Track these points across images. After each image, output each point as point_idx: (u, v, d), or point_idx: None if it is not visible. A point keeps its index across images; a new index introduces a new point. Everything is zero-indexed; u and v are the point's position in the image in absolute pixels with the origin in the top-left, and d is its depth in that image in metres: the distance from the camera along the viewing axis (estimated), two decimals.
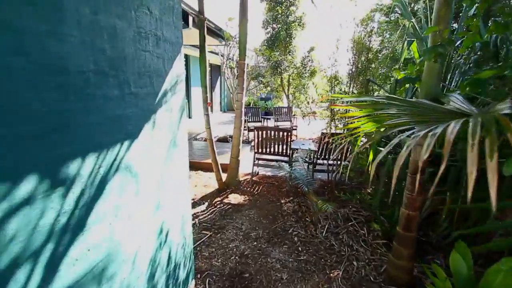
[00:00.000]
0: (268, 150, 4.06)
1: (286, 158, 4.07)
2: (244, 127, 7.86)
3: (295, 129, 7.79)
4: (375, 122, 1.48)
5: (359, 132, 1.55)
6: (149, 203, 1.44)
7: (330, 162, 3.80)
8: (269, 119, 8.14)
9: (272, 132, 3.98)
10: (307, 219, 3.14)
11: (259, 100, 14.33)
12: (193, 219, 3.09)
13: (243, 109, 3.78)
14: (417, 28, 2.54)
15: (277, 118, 8.23)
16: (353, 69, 3.64)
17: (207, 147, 6.46)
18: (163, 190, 1.56)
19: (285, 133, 3.88)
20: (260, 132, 3.99)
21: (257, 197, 3.73)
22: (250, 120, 8.08)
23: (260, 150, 4.09)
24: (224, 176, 4.00)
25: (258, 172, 4.67)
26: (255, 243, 2.67)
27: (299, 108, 3.80)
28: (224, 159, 4.87)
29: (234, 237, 2.78)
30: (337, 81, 3.66)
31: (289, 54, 8.74)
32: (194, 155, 5.42)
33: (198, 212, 3.25)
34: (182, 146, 1.79)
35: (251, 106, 12.81)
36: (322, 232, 2.84)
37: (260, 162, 4.42)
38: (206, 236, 2.76)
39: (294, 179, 3.05)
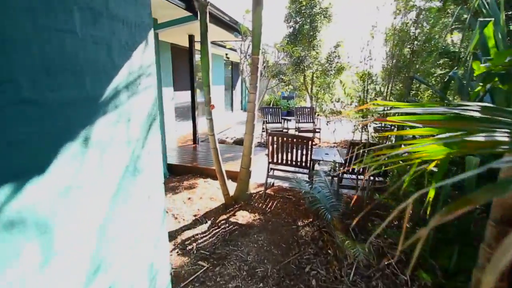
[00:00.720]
0: (285, 160, 3.47)
1: (305, 170, 3.46)
2: (263, 128, 7.32)
3: (318, 132, 7.08)
4: (450, 147, 0.85)
5: (418, 156, 0.93)
6: (78, 268, 0.94)
7: (361, 176, 3.13)
8: (290, 120, 7.49)
9: (290, 139, 3.38)
10: (329, 251, 2.52)
11: (281, 99, 13.70)
12: (190, 244, 2.61)
13: (255, 112, 3.23)
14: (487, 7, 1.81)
15: (299, 119, 7.57)
16: (392, 64, 2.93)
17: (224, 150, 6.02)
18: (110, 242, 1.06)
19: (306, 141, 3.27)
20: (275, 138, 3.41)
21: (270, 216, 3.16)
22: (270, 121, 7.50)
23: (275, 160, 3.51)
24: (233, 187, 3.49)
25: (273, 183, 4.10)
26: (261, 285, 2.12)
27: (322, 111, 3.17)
28: (238, 165, 4.37)
29: (236, 272, 2.24)
30: (371, 79, 2.97)
31: (313, 49, 8.01)
32: (204, 159, 4.98)
33: (197, 234, 2.76)
34: (151, 172, 1.28)
35: (271, 105, 12.25)
36: (348, 274, 2.21)
37: (276, 172, 3.85)
38: (202, 270, 2.26)
39: (314, 201, 2.45)
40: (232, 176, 4.28)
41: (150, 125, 1.18)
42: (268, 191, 3.84)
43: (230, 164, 4.69)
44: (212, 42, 7.57)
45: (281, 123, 7.50)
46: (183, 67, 7.42)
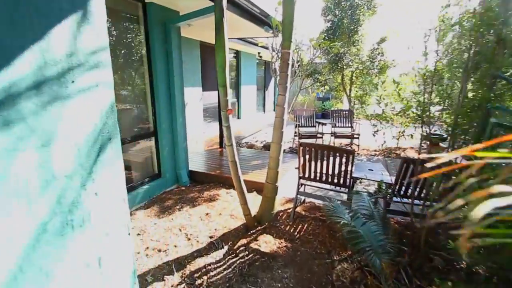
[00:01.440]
0: (318, 175, 2.90)
1: (344, 189, 2.85)
2: (295, 132, 6.75)
3: (357, 138, 6.29)
4: None
5: None
6: None
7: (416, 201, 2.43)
8: (325, 124, 6.78)
9: (326, 151, 2.79)
10: None
11: (315, 100, 12.91)
12: (200, 276, 2.19)
13: (285, 117, 2.71)
14: None
15: (335, 123, 6.83)
16: (469, 57, 2.19)
17: (251, 156, 5.59)
18: None
19: (346, 154, 2.66)
20: (307, 149, 2.85)
21: (298, 244, 2.62)
22: (302, 124, 6.90)
23: (307, 175, 2.95)
24: (258, 202, 3.01)
25: (304, 200, 3.54)
26: None
27: (368, 116, 2.53)
28: (265, 174, 3.88)
29: None
30: (437, 78, 2.25)
31: (354, 46, 7.19)
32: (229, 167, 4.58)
33: (211, 264, 2.33)
34: (103, 223, 0.84)
35: (305, 107, 11.56)
36: None
37: (308, 188, 3.28)
38: None
39: (356, 238, 1.85)
40: (259, 188, 3.81)
41: (99, 150, 0.76)
42: (298, 209, 3.29)
43: (257, 173, 4.23)
44: (243, 39, 7.18)
45: (315, 126, 6.85)
46: (213, 66, 7.16)
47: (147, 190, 3.62)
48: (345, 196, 3.08)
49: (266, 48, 7.97)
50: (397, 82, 2.28)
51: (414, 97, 2.36)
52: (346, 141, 7.06)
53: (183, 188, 4.04)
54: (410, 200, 2.47)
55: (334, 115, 6.99)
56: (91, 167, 0.76)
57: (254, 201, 3.48)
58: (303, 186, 3.17)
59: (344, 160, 2.70)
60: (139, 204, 3.50)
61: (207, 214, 3.19)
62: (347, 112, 7.04)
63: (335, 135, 6.44)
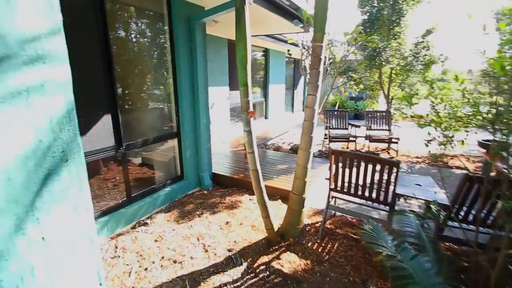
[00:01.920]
0: (353, 188, 2.51)
1: (384, 207, 2.43)
2: (325, 135, 6.29)
3: (396, 142, 5.66)
4: None
5: None
6: None
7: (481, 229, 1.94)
8: (359, 126, 6.22)
9: (364, 161, 2.40)
10: None
11: (348, 100, 12.16)
12: None
13: (315, 120, 2.37)
14: None
15: (370, 125, 6.24)
16: None
17: (277, 160, 5.25)
18: None
19: (388, 166, 2.25)
20: (339, 158, 2.48)
21: (327, 267, 2.27)
22: (334, 126, 6.41)
23: (339, 187, 2.58)
24: (282, 211, 2.72)
25: (334, 213, 3.16)
26: None
27: (430, 121, 2.03)
28: (291, 180, 3.57)
29: None
30: None
31: (394, 39, 6.51)
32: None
33: (226, 284, 2.09)
34: None
35: (337, 107, 10.92)
36: None
37: (339, 201, 2.91)
38: None
39: (403, 278, 1.47)
40: (284, 195, 3.51)
41: (47, 176, 0.52)
42: (328, 224, 2.92)
43: (283, 179, 3.92)
44: (271, 36, 6.88)
45: (347, 129, 6.32)
46: None
47: (168, 193, 3.51)
48: (383, 213, 2.65)
49: (296, 45, 7.57)
50: (461, 78, 1.82)
51: (481, 98, 1.88)
52: (383, 145, 6.43)
53: (205, 191, 3.87)
54: (472, 226, 1.99)
55: (369, 116, 6.39)
56: (33, 202, 0.54)
57: (278, 211, 3.19)
58: (333, 198, 2.80)
59: (385, 171, 2.28)
60: (160, 207, 3.39)
61: (227, 223, 2.97)
62: (384, 113, 6.40)
63: (370, 138, 5.87)
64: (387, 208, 2.40)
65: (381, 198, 2.36)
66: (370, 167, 2.38)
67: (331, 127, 6.32)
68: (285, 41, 6.97)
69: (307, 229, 2.83)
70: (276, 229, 2.54)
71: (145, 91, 3.29)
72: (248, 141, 2.12)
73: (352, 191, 2.51)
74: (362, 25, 6.75)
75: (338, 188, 2.57)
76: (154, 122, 3.45)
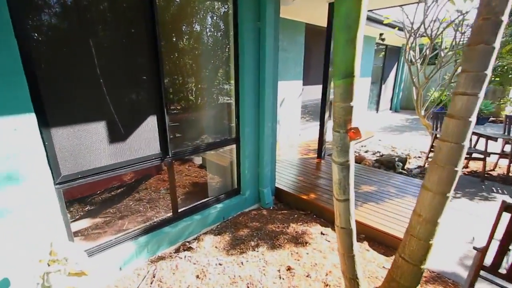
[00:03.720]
0: None
1: None
2: (431, 147, 4.62)
3: None
4: None
5: None
6: None
7: None
8: (496, 139, 4.13)
9: None
10: None
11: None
12: None
13: (466, 142, 1.24)
14: None
15: (509, 139, 4.24)
16: None
17: (359, 176, 3.61)
18: None
19: None
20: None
21: None
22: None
23: (503, 269, 1.38)
24: (366, 258, 1.69)
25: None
26: None
27: None
28: (384, 211, 2.49)
29: None
30: None
31: None
32: (329, 189, 3.28)
33: None
34: None
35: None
36: None
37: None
38: None
39: None
40: (370, 234, 2.43)
41: None
42: None
43: (368, 208, 2.79)
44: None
45: (470, 140, 4.49)
46: (319, 54, 5.84)
47: (221, 210, 2.89)
48: None
49: (392, 27, 5.94)
50: None
51: None
52: None
53: (264, 211, 3.11)
54: None
55: (509, 122, 4.39)
56: None
57: (366, 263, 2.15)
58: (483, 281, 1.58)
59: None
60: (210, 227, 2.81)
61: (289, 269, 2.12)
62: None
63: None
64: None
65: None
66: None
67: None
68: (380, 22, 5.49)
69: None
70: None
71: (200, 89, 2.71)
72: (339, 181, 1.14)
73: None
74: None
75: (503, 271, 1.37)
76: (209, 126, 2.85)
